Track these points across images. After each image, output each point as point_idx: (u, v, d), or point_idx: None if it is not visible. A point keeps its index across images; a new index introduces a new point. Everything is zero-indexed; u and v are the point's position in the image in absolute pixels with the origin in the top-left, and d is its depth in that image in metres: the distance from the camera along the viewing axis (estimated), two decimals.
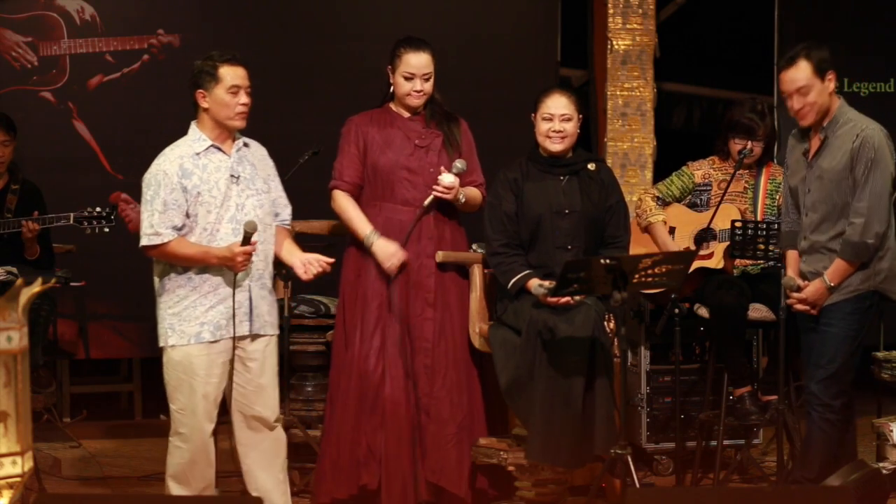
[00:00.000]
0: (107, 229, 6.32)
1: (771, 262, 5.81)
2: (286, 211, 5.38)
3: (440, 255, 5.57)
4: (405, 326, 5.53)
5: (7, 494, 3.91)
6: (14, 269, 6.00)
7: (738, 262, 6.01)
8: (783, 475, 5.72)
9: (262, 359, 5.23)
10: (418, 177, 5.56)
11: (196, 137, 5.16)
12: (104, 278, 7.25)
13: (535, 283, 5.35)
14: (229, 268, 5.06)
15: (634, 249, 5.78)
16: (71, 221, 6.32)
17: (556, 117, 5.48)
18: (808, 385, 5.36)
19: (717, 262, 5.99)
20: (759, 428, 6.31)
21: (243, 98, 5.13)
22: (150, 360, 7.60)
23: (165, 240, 5.06)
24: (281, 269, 5.37)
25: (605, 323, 5.35)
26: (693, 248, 5.96)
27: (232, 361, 5.14)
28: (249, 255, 5.05)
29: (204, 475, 5.18)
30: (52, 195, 6.78)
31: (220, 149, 5.16)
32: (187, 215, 5.08)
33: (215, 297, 5.11)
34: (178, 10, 7.48)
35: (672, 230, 6.14)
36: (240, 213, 5.13)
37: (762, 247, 5.66)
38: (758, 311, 5.94)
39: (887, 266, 5.30)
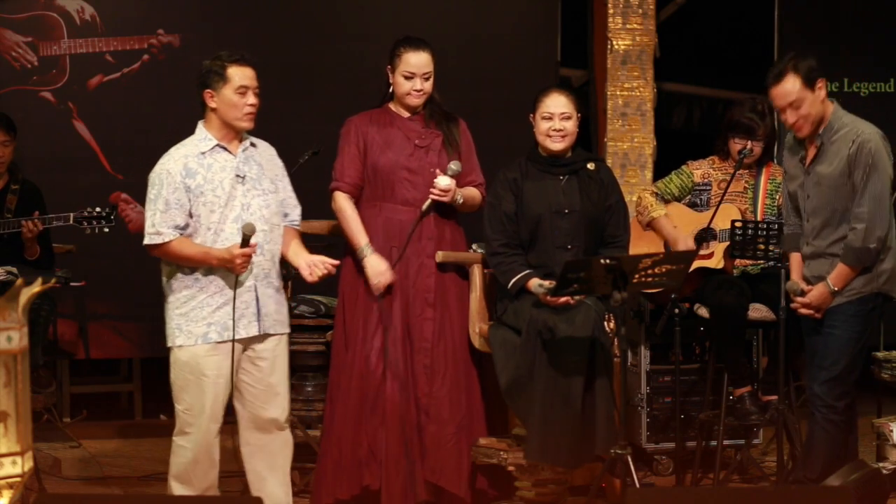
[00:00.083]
0: (107, 229, 6.31)
1: (771, 262, 5.80)
2: (295, 211, 5.36)
3: (440, 255, 5.56)
4: (405, 326, 5.53)
5: (7, 494, 3.91)
6: (14, 269, 5.99)
7: (738, 262, 6.00)
8: (783, 475, 5.72)
9: (272, 358, 5.22)
10: (418, 177, 5.55)
11: (202, 137, 5.15)
12: (104, 278, 7.24)
13: (535, 283, 5.35)
14: (229, 269, 5.06)
15: (634, 249, 5.77)
16: (71, 221, 6.31)
17: (556, 116, 5.48)
18: (812, 386, 5.36)
19: (717, 262, 5.99)
20: (759, 428, 6.31)
21: (251, 99, 5.12)
22: (150, 360, 7.62)
23: (166, 239, 5.05)
24: (286, 269, 5.36)
25: (605, 323, 5.35)
26: (693, 247, 5.96)
27: (238, 362, 5.12)
28: (248, 257, 5.04)
29: (207, 476, 5.17)
30: (52, 195, 6.77)
31: (225, 148, 5.15)
32: (190, 215, 5.08)
33: (222, 297, 5.10)
34: (178, 10, 7.48)
35: None
36: (245, 213, 5.12)
37: (762, 247, 5.66)
38: (758, 311, 5.94)
39: (889, 267, 5.31)
